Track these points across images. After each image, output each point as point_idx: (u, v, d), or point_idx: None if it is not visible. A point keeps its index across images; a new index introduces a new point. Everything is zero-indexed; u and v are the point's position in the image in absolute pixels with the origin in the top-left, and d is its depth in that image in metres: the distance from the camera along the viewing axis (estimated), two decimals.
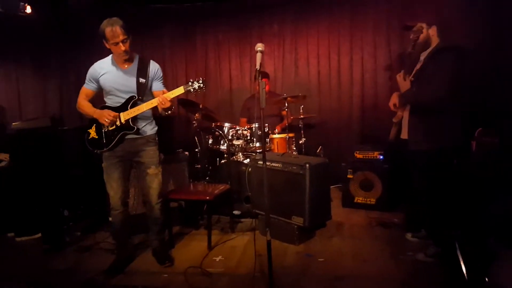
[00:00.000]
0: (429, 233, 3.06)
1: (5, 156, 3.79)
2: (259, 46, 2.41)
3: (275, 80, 5.23)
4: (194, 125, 4.39)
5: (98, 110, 2.77)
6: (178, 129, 5.32)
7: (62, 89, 5.39)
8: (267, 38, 5.17)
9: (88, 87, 2.84)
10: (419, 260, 2.79)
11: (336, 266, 2.78)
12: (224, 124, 4.21)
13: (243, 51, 5.33)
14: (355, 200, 4.13)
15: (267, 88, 4.63)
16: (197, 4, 5.18)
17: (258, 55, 2.41)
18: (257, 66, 2.37)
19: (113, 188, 2.84)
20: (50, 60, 5.27)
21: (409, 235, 3.20)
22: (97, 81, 2.79)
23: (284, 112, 4.57)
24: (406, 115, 2.99)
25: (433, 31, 2.78)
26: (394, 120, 3.19)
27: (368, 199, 4.07)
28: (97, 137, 2.81)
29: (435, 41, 2.79)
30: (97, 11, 4.94)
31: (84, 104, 2.84)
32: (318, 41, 5.05)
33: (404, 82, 2.92)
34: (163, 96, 2.62)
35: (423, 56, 2.87)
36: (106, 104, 2.83)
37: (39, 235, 3.65)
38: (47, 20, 4.79)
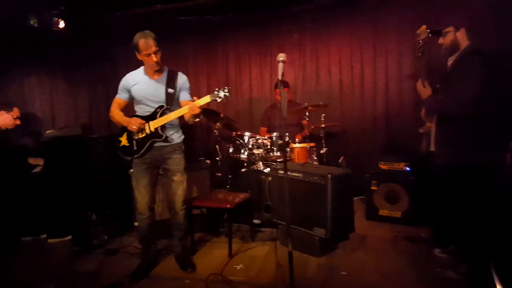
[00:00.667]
0: (459, 249, 2.92)
1: (40, 161, 3.97)
2: (281, 56, 2.44)
3: (296, 89, 5.24)
4: (215, 134, 4.47)
5: (127, 118, 2.89)
6: (200, 138, 5.42)
7: (91, 99, 5.62)
8: (287, 47, 5.19)
9: (121, 97, 2.97)
10: (448, 277, 2.67)
11: (359, 280, 2.72)
12: (244, 133, 4.25)
13: (263, 61, 5.38)
14: (380, 213, 4.01)
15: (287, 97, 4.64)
16: (218, 16, 5.29)
17: (280, 65, 2.43)
18: (279, 76, 2.39)
19: (141, 194, 2.94)
20: (80, 72, 5.50)
21: (437, 251, 3.07)
22: (129, 91, 2.92)
23: (304, 122, 4.56)
24: (434, 125, 2.88)
25: (461, 34, 2.64)
26: (421, 130, 3.11)
27: (393, 212, 3.95)
28: (128, 144, 2.93)
29: (464, 44, 2.65)
30: (123, 26, 5.14)
31: (116, 113, 2.98)
32: (339, 49, 5.03)
33: (424, 89, 2.83)
34: (193, 103, 2.70)
35: (450, 61, 2.74)
36: (136, 113, 2.94)
37: (69, 237, 3.81)
38: (77, 34, 5.00)
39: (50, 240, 3.82)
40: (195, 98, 2.76)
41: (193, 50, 5.58)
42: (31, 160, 4.02)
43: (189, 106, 2.72)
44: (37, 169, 3.96)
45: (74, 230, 3.76)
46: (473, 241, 2.65)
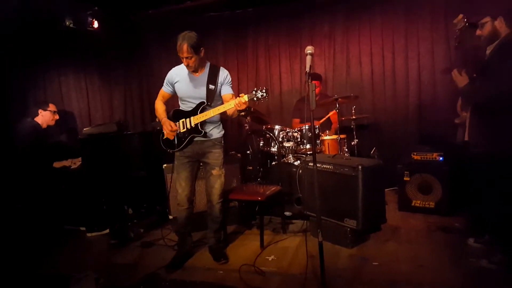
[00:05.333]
0: (494, 239, 2.86)
1: (75, 162, 4.13)
2: (309, 49, 2.43)
3: (326, 80, 5.18)
4: (246, 128, 4.52)
5: (164, 118, 3.01)
6: (231, 132, 5.49)
7: (126, 97, 5.75)
8: (317, 39, 5.16)
9: (165, 90, 3.10)
10: (482, 267, 2.63)
11: (391, 270, 2.70)
12: (274, 126, 4.27)
13: (293, 53, 5.35)
14: (413, 204, 3.95)
15: (317, 90, 4.60)
16: (249, 10, 5.30)
17: (308, 58, 2.42)
18: (307, 69, 2.39)
19: (181, 186, 3.05)
20: (115, 70, 5.65)
21: (471, 241, 3.01)
22: (173, 86, 3.03)
23: (330, 113, 4.52)
24: (468, 115, 2.85)
25: (499, 23, 2.59)
26: (457, 121, 3.04)
27: (426, 203, 3.88)
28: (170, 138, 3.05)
29: (504, 33, 2.60)
30: (156, 23, 5.25)
31: (158, 107, 3.12)
32: (370, 39, 4.94)
33: (460, 78, 2.76)
34: (239, 98, 2.73)
35: (489, 50, 2.69)
36: (180, 108, 3.07)
37: (107, 231, 3.97)
38: (112, 33, 5.16)
39: (89, 234, 3.98)
40: (242, 95, 2.78)
41: (224, 45, 5.62)
42: (57, 164, 4.14)
43: (235, 102, 2.74)
44: (75, 166, 4.13)
45: (112, 224, 3.91)
46: (509, 229, 2.60)
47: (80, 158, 4.09)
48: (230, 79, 3.06)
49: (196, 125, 2.94)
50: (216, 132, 3.06)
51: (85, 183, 3.99)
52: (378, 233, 3.40)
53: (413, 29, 4.71)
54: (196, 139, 2.99)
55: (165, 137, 3.07)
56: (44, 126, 4.20)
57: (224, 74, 3.01)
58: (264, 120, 4.69)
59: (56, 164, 4.11)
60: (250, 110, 4.29)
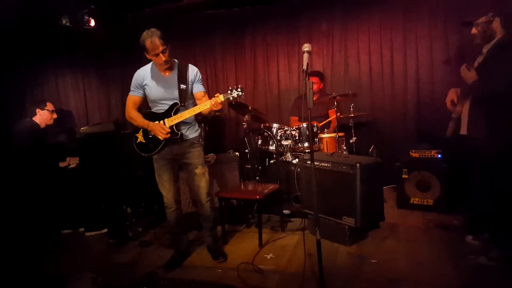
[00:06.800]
0: (492, 236, 2.86)
1: (74, 161, 4.14)
2: (306, 47, 2.43)
3: (324, 79, 5.17)
4: (244, 126, 4.51)
5: (151, 123, 2.87)
6: (229, 131, 5.47)
7: (124, 96, 5.72)
8: (315, 37, 5.15)
9: (135, 94, 2.95)
10: (480, 264, 2.64)
11: (390, 268, 2.70)
12: (272, 125, 4.28)
13: (291, 51, 5.35)
14: (411, 201, 3.96)
15: (316, 87, 4.60)
16: (246, 8, 5.27)
17: (305, 56, 2.41)
18: (304, 67, 2.38)
19: (166, 188, 3.01)
20: (112, 69, 5.66)
21: (469, 238, 3.02)
22: (143, 88, 2.92)
23: (330, 111, 4.50)
24: (465, 109, 2.86)
25: (496, 24, 2.66)
26: (454, 116, 3.04)
27: (425, 200, 3.89)
28: (144, 141, 2.96)
29: (499, 33, 2.66)
30: (152, 22, 5.22)
31: (134, 116, 2.94)
32: (369, 37, 4.92)
33: (469, 73, 2.77)
34: (215, 99, 2.72)
35: (485, 49, 2.74)
36: (152, 110, 2.96)
37: (106, 230, 3.96)
38: (109, 33, 5.15)
39: (87, 234, 3.99)
40: (217, 94, 2.75)
41: (221, 43, 5.60)
42: (62, 164, 4.17)
43: (211, 102, 2.72)
44: (72, 165, 4.12)
45: (110, 223, 3.90)
46: (507, 226, 2.62)
47: (78, 158, 4.07)
48: (200, 76, 3.00)
49: (171, 127, 2.85)
50: (192, 132, 2.99)
51: (83, 183, 3.98)
52: (376, 230, 3.40)
53: (411, 27, 4.69)
54: (172, 141, 2.91)
55: (138, 140, 2.97)
56: (43, 125, 4.17)
57: (194, 72, 2.94)
58: (262, 119, 4.69)
59: (62, 164, 4.14)
60: (248, 108, 4.30)
